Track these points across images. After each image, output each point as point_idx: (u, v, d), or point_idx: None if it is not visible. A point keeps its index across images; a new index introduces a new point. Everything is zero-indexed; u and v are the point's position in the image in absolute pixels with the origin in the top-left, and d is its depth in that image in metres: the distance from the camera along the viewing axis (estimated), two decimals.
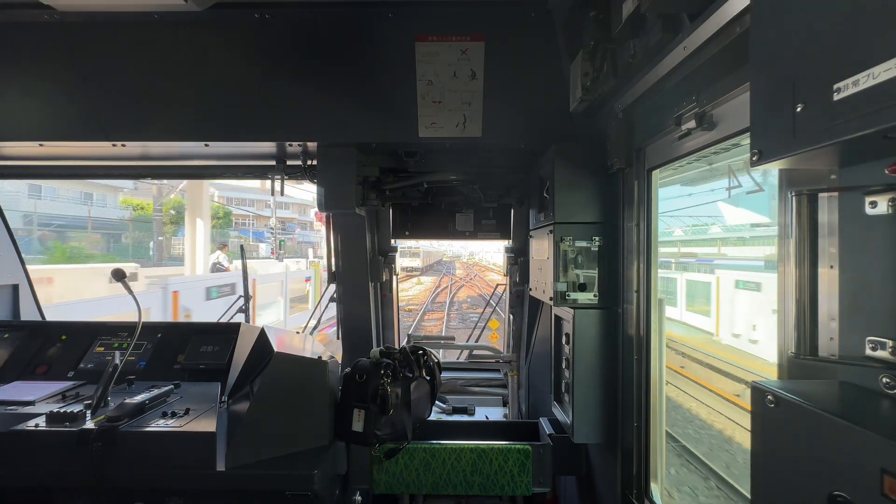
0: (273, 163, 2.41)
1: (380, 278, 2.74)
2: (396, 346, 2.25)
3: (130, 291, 1.92)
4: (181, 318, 7.38)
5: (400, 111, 1.98)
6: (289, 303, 10.76)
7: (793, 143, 0.70)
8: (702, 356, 7.86)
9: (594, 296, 1.78)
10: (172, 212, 22.36)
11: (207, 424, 1.60)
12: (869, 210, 0.77)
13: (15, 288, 2.66)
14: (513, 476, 1.96)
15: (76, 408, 1.64)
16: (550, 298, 1.82)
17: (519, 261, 2.72)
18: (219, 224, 26.90)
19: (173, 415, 1.66)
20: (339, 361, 2.24)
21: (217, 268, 11.45)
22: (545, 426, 2.14)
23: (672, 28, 1.15)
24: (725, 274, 8.04)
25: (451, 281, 26.38)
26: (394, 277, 2.95)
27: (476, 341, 3.25)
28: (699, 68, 1.14)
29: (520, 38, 1.81)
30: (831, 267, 0.86)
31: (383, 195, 2.44)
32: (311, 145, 2.18)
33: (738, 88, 1.07)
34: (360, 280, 2.54)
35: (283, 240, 20.98)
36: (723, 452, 5.30)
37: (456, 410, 2.75)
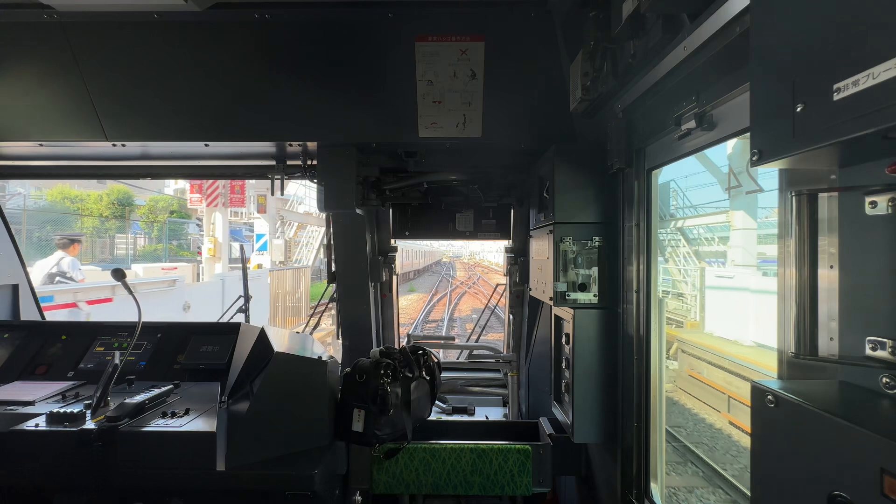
0: (273, 163, 2.42)
1: (380, 278, 2.74)
2: (396, 346, 2.25)
3: (130, 291, 1.92)
4: None
5: (400, 111, 1.98)
6: None
7: (793, 143, 0.70)
8: None
9: (594, 296, 1.78)
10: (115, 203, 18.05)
11: (207, 424, 1.60)
12: (869, 210, 0.77)
13: (15, 288, 2.66)
14: (513, 476, 1.96)
15: (76, 408, 1.64)
16: (550, 298, 1.82)
17: (519, 261, 2.72)
18: (173, 218, 21.97)
19: (173, 415, 1.66)
20: (339, 361, 2.24)
21: (58, 282, 6.38)
22: (545, 426, 2.14)
23: (672, 28, 1.15)
24: None
25: (451, 287, 22.50)
26: (394, 277, 2.95)
27: (476, 341, 3.25)
28: (699, 68, 1.14)
29: (520, 38, 1.81)
30: (831, 267, 0.86)
31: (383, 195, 2.44)
32: (311, 145, 2.18)
33: (738, 88, 1.07)
34: (360, 280, 2.54)
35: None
36: None
37: (456, 410, 2.75)
